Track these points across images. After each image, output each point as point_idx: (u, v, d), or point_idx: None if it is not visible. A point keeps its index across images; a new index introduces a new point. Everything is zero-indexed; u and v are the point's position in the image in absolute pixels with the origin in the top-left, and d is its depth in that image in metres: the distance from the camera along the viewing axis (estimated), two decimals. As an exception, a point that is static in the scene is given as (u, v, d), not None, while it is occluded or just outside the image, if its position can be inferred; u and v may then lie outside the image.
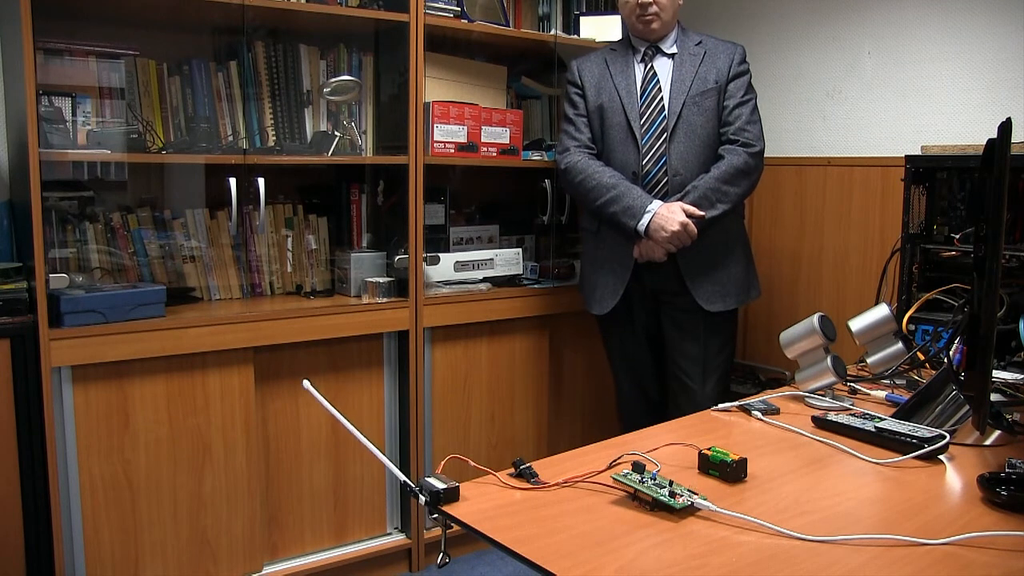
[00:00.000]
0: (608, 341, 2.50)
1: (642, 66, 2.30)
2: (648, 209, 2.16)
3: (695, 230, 2.14)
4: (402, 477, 1.12)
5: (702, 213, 2.14)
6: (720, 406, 1.55)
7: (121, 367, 1.97)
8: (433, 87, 2.46)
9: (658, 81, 2.27)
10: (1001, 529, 1.02)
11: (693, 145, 2.22)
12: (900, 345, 1.69)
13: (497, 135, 2.54)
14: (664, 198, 2.20)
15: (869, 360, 1.73)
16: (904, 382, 1.69)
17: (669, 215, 2.13)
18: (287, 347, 2.21)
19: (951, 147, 2.16)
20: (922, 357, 1.75)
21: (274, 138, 2.32)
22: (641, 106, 2.25)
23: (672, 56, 2.28)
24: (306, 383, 1.16)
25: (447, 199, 2.58)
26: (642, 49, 2.31)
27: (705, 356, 2.30)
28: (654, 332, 2.39)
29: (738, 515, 1.04)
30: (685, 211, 2.14)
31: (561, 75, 2.81)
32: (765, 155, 2.26)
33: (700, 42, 2.29)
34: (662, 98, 2.25)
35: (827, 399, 1.57)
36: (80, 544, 1.96)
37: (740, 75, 2.26)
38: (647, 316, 2.37)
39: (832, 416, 1.42)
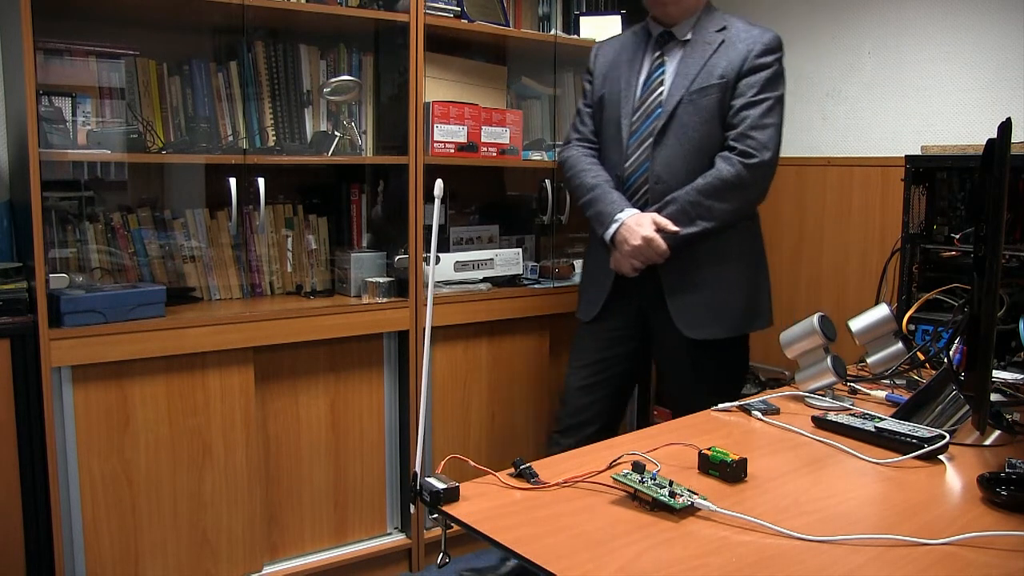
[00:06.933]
0: (578, 344, 2.22)
1: (652, 55, 2.03)
2: (616, 218, 1.97)
3: (663, 246, 1.91)
4: None
5: (675, 229, 1.91)
6: (720, 406, 1.55)
7: (121, 367, 1.97)
8: (433, 87, 2.46)
9: (663, 74, 2.00)
10: (1001, 529, 1.02)
11: (682, 149, 1.95)
12: (900, 345, 1.69)
13: (497, 135, 2.54)
14: (644, 207, 1.99)
15: (869, 360, 1.73)
16: (904, 382, 1.69)
17: (635, 227, 1.92)
18: (287, 347, 2.21)
19: (951, 147, 2.16)
20: (922, 357, 1.75)
21: (274, 138, 2.32)
22: (637, 101, 2.01)
23: (685, 44, 2.00)
24: None
25: (447, 199, 2.58)
26: (655, 35, 2.04)
27: (692, 393, 2.00)
28: (635, 357, 2.15)
29: (738, 515, 1.04)
30: (657, 224, 1.91)
31: (561, 75, 2.81)
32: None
33: (723, 28, 1.97)
34: (662, 93, 1.99)
35: (827, 399, 1.57)
36: (80, 544, 1.96)
37: (757, 70, 1.92)
38: (630, 338, 2.11)
39: (832, 416, 1.42)
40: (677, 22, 2.00)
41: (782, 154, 2.82)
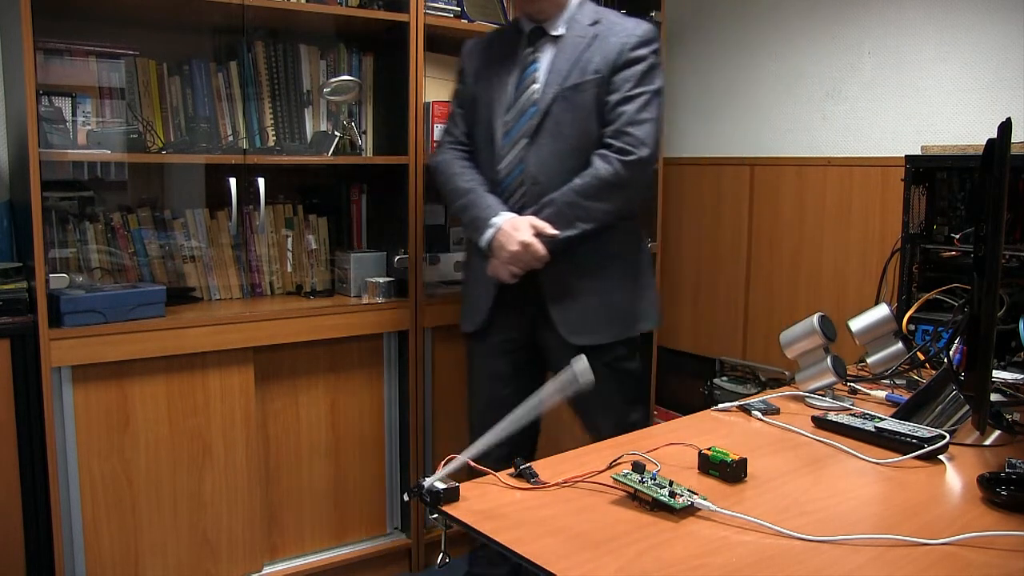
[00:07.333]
0: (471, 362, 2.12)
1: (524, 52, 1.93)
2: (492, 223, 1.85)
3: (541, 251, 1.80)
4: None
5: (554, 232, 1.80)
6: (720, 406, 1.55)
7: (121, 367, 1.97)
8: (433, 87, 2.46)
9: (536, 71, 1.89)
10: (1001, 529, 1.02)
11: (558, 148, 1.86)
12: (900, 345, 1.69)
13: (497, 135, 2.54)
14: (521, 211, 1.88)
15: (869, 360, 1.73)
16: (904, 382, 1.69)
17: (512, 232, 1.81)
18: (287, 347, 2.21)
19: (951, 147, 2.16)
20: (922, 357, 1.74)
21: (274, 138, 2.32)
22: (510, 100, 1.91)
23: (558, 39, 1.90)
24: None
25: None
26: (527, 31, 1.93)
27: (591, 403, 1.87)
28: (527, 368, 2.01)
29: (738, 515, 1.04)
30: (535, 228, 1.81)
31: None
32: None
33: (597, 21, 1.88)
34: (535, 91, 1.88)
35: (827, 399, 1.57)
36: (80, 544, 1.96)
37: (632, 63, 1.83)
38: (522, 349, 2.00)
39: (832, 416, 1.42)
40: (549, 17, 1.90)
41: (782, 154, 2.84)
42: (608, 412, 1.94)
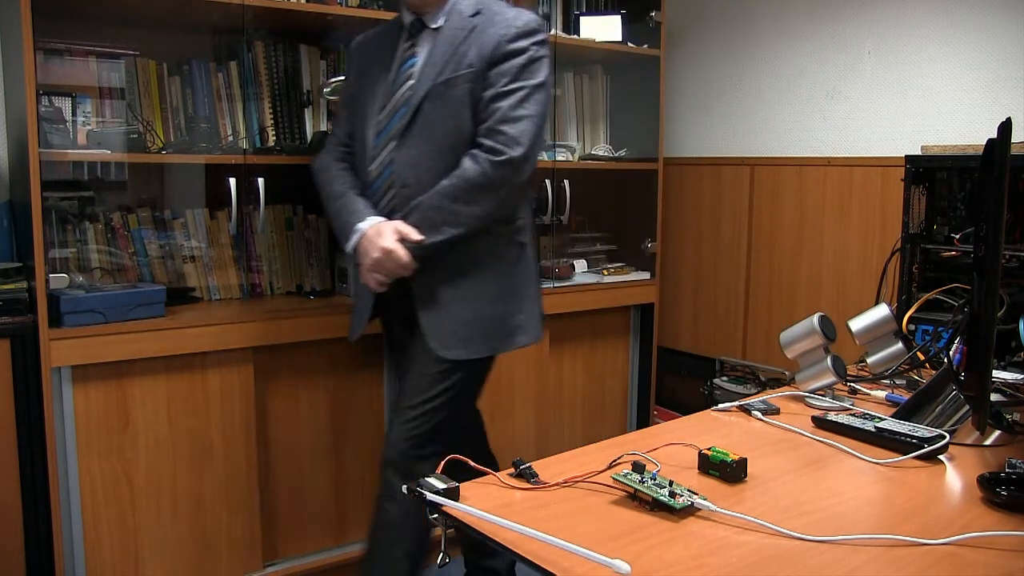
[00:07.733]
0: (395, 369, 2.16)
1: (404, 46, 1.83)
2: (357, 228, 1.76)
3: (404, 259, 1.70)
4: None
5: (419, 237, 1.70)
6: (720, 406, 1.55)
7: (121, 367, 1.97)
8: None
9: (412, 66, 1.79)
10: (1001, 529, 1.02)
11: (429, 149, 1.75)
12: (900, 345, 1.69)
13: (497, 135, 2.53)
14: (391, 215, 1.77)
15: (869, 360, 1.73)
16: (904, 382, 1.69)
17: (374, 238, 1.71)
18: (287, 347, 2.21)
19: (951, 147, 2.16)
20: (922, 357, 1.75)
21: (274, 138, 2.32)
22: (384, 98, 1.81)
23: (438, 32, 1.79)
24: None
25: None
26: (407, 23, 1.83)
27: (405, 395, 1.83)
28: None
29: (738, 515, 1.04)
30: (400, 233, 1.71)
31: (561, 75, 2.81)
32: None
33: (479, 12, 1.77)
34: (409, 87, 1.78)
35: (827, 399, 1.57)
36: (80, 544, 1.96)
37: (510, 56, 1.72)
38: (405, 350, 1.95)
39: (832, 416, 1.42)
40: (430, 8, 1.79)
41: (782, 154, 2.84)
42: (410, 412, 1.80)
